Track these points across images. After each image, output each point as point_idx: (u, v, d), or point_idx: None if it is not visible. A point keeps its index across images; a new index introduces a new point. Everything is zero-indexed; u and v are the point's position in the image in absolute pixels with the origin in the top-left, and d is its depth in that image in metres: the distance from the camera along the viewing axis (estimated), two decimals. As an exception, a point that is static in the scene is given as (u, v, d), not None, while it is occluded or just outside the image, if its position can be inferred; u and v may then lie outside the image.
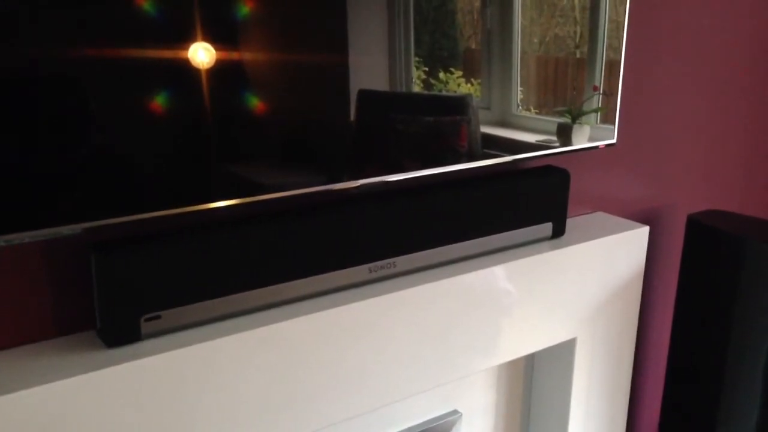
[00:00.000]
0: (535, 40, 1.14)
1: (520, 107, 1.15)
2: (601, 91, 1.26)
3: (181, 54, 0.82)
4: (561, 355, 1.38)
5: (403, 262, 1.10)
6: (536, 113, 1.18)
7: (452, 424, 1.36)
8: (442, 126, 1.08)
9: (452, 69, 1.05)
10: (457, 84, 1.06)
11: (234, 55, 0.86)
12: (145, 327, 0.89)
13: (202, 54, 0.83)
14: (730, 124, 1.69)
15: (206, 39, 0.83)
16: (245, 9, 0.86)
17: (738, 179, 1.77)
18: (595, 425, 1.46)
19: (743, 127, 1.73)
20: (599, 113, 1.26)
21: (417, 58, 1.01)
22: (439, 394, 1.34)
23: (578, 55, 1.22)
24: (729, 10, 1.59)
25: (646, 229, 1.39)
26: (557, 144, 1.22)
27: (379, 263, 1.07)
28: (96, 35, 0.77)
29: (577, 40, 1.20)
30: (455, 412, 1.37)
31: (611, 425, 1.49)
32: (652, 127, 1.53)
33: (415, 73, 1.01)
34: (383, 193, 1.07)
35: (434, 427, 1.33)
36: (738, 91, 1.68)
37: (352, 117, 0.98)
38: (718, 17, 1.57)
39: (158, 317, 0.90)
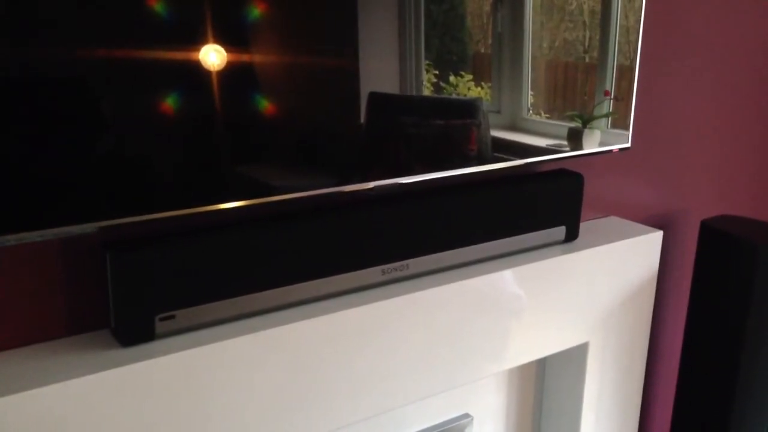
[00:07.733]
0: (545, 45, 1.14)
1: (530, 111, 1.16)
2: (613, 96, 1.26)
3: (192, 56, 0.83)
4: (573, 359, 1.38)
5: (415, 264, 1.10)
6: (547, 117, 1.18)
7: (463, 427, 1.36)
8: (452, 129, 1.08)
9: (462, 72, 1.05)
10: (467, 88, 1.07)
11: (245, 58, 0.87)
12: (159, 326, 0.90)
13: (213, 56, 0.84)
14: (744, 128, 1.69)
15: (218, 41, 0.85)
16: (256, 11, 0.87)
17: (752, 184, 1.76)
18: (606, 430, 1.45)
19: (757, 131, 1.72)
20: (610, 118, 1.27)
21: (427, 62, 1.02)
22: (450, 397, 1.34)
23: (587, 60, 1.22)
24: (743, 15, 1.58)
25: (659, 233, 1.39)
26: (568, 148, 1.22)
27: (392, 265, 1.07)
28: (114, 38, 0.78)
29: (587, 44, 1.21)
30: (466, 415, 1.37)
31: (623, 430, 1.48)
32: (666, 132, 1.53)
33: (425, 76, 1.02)
34: (395, 196, 1.07)
35: (445, 431, 1.33)
36: (752, 96, 1.67)
37: (363, 119, 0.99)
38: (732, 22, 1.57)
39: (172, 317, 0.91)
